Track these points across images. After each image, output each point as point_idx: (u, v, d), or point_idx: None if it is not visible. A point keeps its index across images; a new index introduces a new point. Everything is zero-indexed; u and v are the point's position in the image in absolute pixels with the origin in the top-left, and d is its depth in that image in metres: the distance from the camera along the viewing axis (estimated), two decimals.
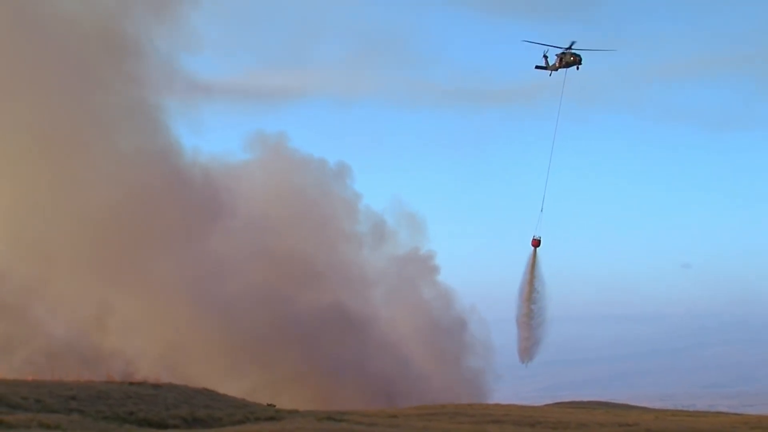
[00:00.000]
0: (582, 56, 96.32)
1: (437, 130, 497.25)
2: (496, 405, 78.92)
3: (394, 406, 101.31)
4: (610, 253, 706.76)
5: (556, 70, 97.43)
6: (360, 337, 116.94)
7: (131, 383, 60.67)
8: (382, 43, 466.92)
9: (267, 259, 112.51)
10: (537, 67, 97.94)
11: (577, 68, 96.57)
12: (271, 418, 49.08)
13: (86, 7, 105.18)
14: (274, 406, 61.66)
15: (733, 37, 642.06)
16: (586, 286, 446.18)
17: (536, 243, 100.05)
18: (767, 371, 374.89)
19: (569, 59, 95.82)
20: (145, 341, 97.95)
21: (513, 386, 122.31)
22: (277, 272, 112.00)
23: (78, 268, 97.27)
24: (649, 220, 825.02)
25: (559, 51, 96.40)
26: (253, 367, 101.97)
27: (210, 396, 58.97)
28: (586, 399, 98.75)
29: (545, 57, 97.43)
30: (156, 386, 60.41)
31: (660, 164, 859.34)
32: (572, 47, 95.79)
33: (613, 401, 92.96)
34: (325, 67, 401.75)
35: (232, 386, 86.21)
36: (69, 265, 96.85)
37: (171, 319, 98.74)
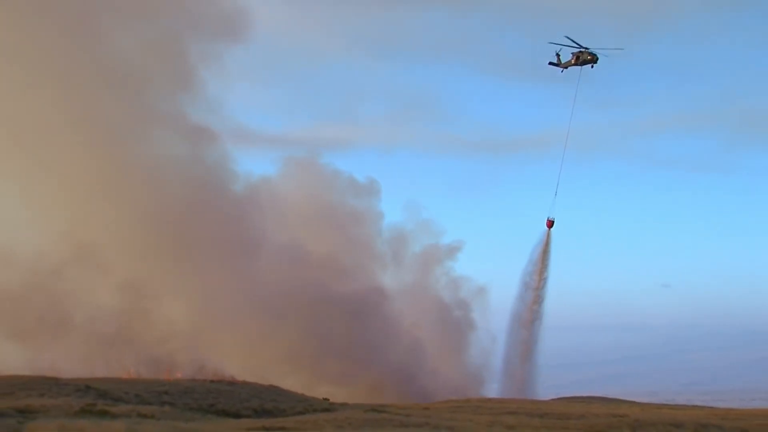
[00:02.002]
0: (598, 56, 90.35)
1: (461, 173, 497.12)
2: (511, 399, 78.49)
3: (427, 401, 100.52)
4: (604, 274, 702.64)
5: (566, 68, 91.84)
6: (390, 339, 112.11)
7: (212, 381, 60.87)
8: (416, 102, 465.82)
9: (302, 264, 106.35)
10: (550, 63, 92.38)
11: (592, 66, 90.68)
12: (326, 410, 49.00)
13: (150, 33, 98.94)
14: (329, 399, 61.58)
15: (710, 96, 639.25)
16: (585, 301, 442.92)
17: (550, 224, 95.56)
18: (734, 372, 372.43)
19: (586, 57, 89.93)
20: (199, 341, 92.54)
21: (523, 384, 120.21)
22: (310, 276, 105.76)
23: (124, 271, 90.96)
24: (636, 247, 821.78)
25: (576, 50, 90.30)
26: (297, 365, 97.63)
27: (276, 391, 58.93)
28: (585, 395, 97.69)
29: (557, 55, 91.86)
30: (231, 383, 60.53)
31: (647, 201, 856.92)
32: (588, 48, 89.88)
33: (607, 396, 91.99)
34: (369, 121, 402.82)
35: (279, 382, 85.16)
36: (118, 268, 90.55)
37: (219, 320, 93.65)
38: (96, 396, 46.50)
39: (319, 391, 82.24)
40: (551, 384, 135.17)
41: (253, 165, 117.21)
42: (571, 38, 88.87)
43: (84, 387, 49.17)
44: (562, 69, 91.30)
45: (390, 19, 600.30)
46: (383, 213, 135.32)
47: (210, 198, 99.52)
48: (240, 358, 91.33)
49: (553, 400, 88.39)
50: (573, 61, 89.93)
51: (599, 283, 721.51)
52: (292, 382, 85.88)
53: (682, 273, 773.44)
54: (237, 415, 45.31)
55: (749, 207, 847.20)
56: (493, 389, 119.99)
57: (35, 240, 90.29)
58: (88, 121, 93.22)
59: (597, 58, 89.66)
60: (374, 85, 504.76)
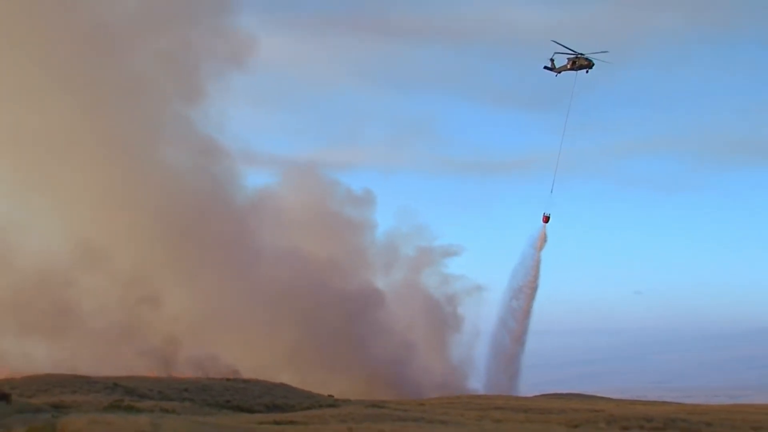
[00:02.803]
0: (594, 62, 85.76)
1: (454, 191, 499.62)
2: (498, 396, 78.30)
3: (418, 394, 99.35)
4: (582, 283, 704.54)
5: (560, 72, 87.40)
6: (383, 335, 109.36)
7: (227, 379, 60.77)
8: (413, 127, 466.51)
9: (302, 271, 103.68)
10: (545, 68, 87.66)
11: (587, 71, 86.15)
12: (331, 405, 48.93)
13: (165, 53, 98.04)
14: (333, 396, 61.52)
15: (676, 122, 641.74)
16: (565, 307, 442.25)
17: (546, 219, 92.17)
18: (699, 372, 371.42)
19: (582, 62, 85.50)
20: (205, 339, 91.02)
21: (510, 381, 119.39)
22: (309, 278, 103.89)
23: (134, 273, 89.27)
24: (611, 258, 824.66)
25: (572, 55, 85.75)
26: (295, 360, 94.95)
27: (285, 389, 58.87)
28: (564, 392, 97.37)
29: (552, 60, 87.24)
30: (245, 381, 60.44)
31: (620, 217, 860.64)
32: (585, 55, 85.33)
33: (585, 393, 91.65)
34: (371, 144, 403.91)
35: (278, 376, 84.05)
36: (129, 270, 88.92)
37: (223, 318, 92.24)
38: (123, 393, 46.60)
39: (315, 384, 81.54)
40: (534, 382, 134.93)
41: (258, 181, 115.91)
42: (559, 43, 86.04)
43: (112, 384, 49.27)
44: (556, 73, 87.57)
45: (391, 52, 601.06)
46: (378, 220, 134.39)
47: (216, 206, 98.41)
48: (243, 354, 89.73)
49: (535, 396, 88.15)
50: (569, 66, 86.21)
51: (577, 290, 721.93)
52: (290, 376, 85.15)
53: (653, 281, 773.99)
54: (250, 410, 45.31)
55: (711, 222, 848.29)
56: (479, 385, 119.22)
57: (51, 242, 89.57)
58: (105, 132, 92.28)
59: (593, 64, 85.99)
60: (375, 111, 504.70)
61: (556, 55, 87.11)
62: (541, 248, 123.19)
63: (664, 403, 74.10)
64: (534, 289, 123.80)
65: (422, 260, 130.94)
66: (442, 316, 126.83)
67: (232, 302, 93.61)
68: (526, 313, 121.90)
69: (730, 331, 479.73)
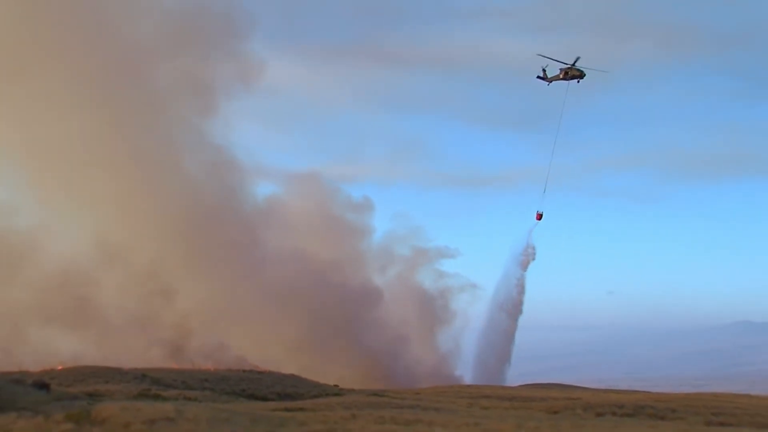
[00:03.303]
0: (585, 72, 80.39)
1: (447, 203, 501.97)
2: (485, 386, 78.09)
3: (411, 381, 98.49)
4: (560, 284, 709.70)
5: (551, 82, 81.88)
6: (381, 331, 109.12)
7: (244, 371, 60.60)
8: (410, 145, 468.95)
9: (307, 274, 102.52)
10: (538, 77, 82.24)
11: (578, 81, 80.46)
12: (336, 394, 48.77)
13: (183, 72, 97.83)
14: (338, 386, 61.31)
15: (645, 140, 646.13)
16: (546, 306, 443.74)
17: (539, 217, 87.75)
18: (666, 363, 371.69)
19: (574, 73, 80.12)
20: (216, 330, 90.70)
21: (498, 373, 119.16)
22: (311, 275, 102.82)
23: (151, 268, 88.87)
24: (586, 261, 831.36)
25: (564, 66, 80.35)
26: (299, 350, 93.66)
27: (295, 379, 58.63)
28: (545, 382, 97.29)
29: (544, 70, 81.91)
30: (259, 372, 60.24)
31: (594, 225, 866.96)
32: (576, 63, 79.99)
33: (563, 383, 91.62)
34: (371, 161, 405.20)
35: (283, 365, 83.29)
36: (146, 265, 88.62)
37: (233, 312, 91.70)
38: (150, 383, 46.53)
39: (317, 373, 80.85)
40: (518, 373, 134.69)
41: (267, 191, 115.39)
42: (545, 56, 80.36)
43: (141, 375, 49.20)
44: (548, 83, 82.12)
45: (388, 77, 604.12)
46: (376, 224, 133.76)
47: (228, 211, 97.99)
48: (251, 345, 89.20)
49: (519, 386, 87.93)
50: (561, 76, 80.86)
51: (557, 290, 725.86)
52: (294, 365, 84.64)
53: (624, 283, 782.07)
54: (264, 399, 45.20)
55: (677, 230, 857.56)
56: (468, 375, 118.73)
57: (76, 243, 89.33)
58: (128, 143, 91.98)
59: (584, 74, 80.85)
60: (375, 130, 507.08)
61: (548, 66, 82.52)
62: (526, 268, 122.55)
63: (634, 391, 73.90)
64: (520, 304, 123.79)
65: (417, 259, 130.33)
66: (434, 310, 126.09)
67: (241, 298, 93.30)
68: (512, 333, 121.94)
69: (692, 327, 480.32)
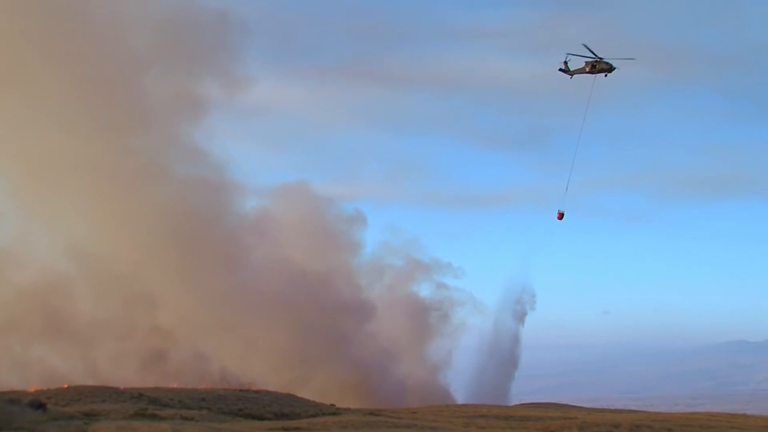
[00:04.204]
0: (615, 66, 73.52)
1: (442, 221, 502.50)
2: (482, 405, 77.76)
3: (402, 393, 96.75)
4: (557, 304, 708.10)
5: (573, 75, 75.53)
6: (371, 342, 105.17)
7: (240, 390, 60.34)
8: (407, 164, 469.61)
9: (296, 282, 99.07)
10: (560, 70, 76.32)
11: (606, 75, 74.14)
12: (333, 414, 48.56)
13: (182, 90, 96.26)
14: (335, 405, 60.98)
15: (639, 161, 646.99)
16: (541, 325, 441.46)
17: (560, 216, 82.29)
18: (661, 382, 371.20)
19: (603, 66, 73.58)
20: (200, 343, 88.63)
21: (497, 391, 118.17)
22: (300, 286, 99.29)
23: (138, 280, 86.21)
24: (582, 281, 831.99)
25: (591, 59, 73.28)
26: (285, 363, 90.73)
27: (292, 398, 58.44)
28: (541, 401, 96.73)
29: (566, 63, 75.88)
30: (256, 392, 60.01)
31: (590, 245, 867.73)
32: (603, 58, 73.11)
33: (560, 402, 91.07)
34: (369, 180, 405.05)
35: (271, 378, 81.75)
36: (134, 277, 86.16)
37: (218, 325, 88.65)
38: (147, 402, 46.23)
39: (304, 386, 79.27)
40: (514, 392, 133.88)
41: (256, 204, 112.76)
42: (588, 47, 73.19)
43: (137, 394, 48.89)
44: (570, 76, 76.26)
45: (386, 98, 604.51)
46: (369, 235, 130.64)
47: (213, 221, 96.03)
48: (235, 357, 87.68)
49: (515, 405, 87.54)
50: (587, 69, 74.52)
51: (553, 310, 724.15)
52: (280, 378, 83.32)
53: (619, 302, 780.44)
54: (261, 418, 44.93)
55: (671, 249, 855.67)
56: (464, 391, 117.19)
57: (58, 252, 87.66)
58: (119, 154, 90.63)
59: (613, 68, 74.46)
60: (373, 150, 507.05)
61: (570, 59, 76.59)
62: (523, 321, 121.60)
63: (630, 411, 73.71)
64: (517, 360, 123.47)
65: (411, 270, 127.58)
66: (427, 322, 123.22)
67: (226, 310, 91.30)
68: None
69: (687, 346, 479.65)
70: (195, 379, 79.58)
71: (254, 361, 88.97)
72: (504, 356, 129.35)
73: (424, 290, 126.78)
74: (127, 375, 75.58)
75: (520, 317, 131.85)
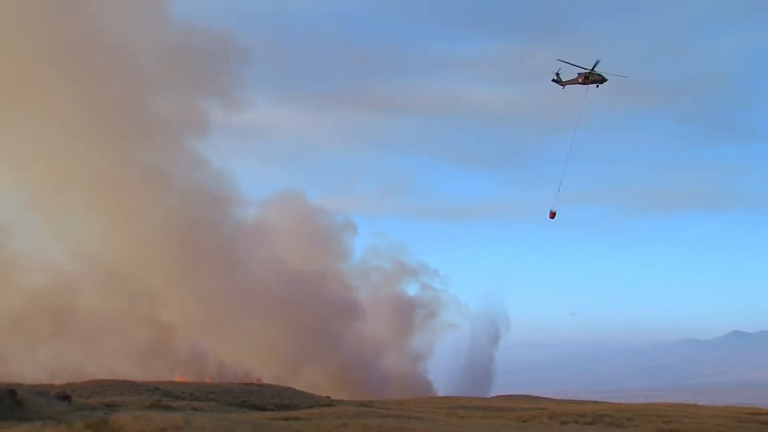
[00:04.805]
0: (607, 78, 69.78)
1: (427, 232, 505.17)
2: (462, 397, 77.72)
3: (386, 383, 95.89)
4: (529, 306, 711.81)
5: (564, 86, 71.22)
6: (358, 337, 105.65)
7: (246, 384, 60.18)
8: (395, 181, 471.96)
9: (291, 285, 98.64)
10: (552, 80, 72.00)
11: (597, 86, 69.98)
12: (328, 405, 48.42)
13: (185, 107, 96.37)
14: (330, 397, 60.86)
15: (605, 176, 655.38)
16: (515, 326, 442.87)
17: (552, 215, 78.43)
18: (623, 377, 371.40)
19: (595, 77, 69.77)
20: (200, 337, 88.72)
21: (475, 385, 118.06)
22: (294, 285, 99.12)
23: (139, 282, 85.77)
24: (552, 286, 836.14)
25: (583, 71, 69.69)
26: (278, 355, 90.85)
27: (291, 391, 58.26)
28: (515, 393, 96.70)
29: (557, 74, 71.74)
30: (260, 386, 59.89)
31: (559, 254, 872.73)
32: (595, 68, 69.49)
33: (531, 395, 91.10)
34: (361, 195, 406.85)
35: (265, 369, 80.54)
36: (141, 279, 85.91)
37: (216, 321, 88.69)
38: (161, 394, 46.11)
39: (298, 378, 78.57)
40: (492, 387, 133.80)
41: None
42: (564, 60, 70.74)
43: (153, 388, 48.79)
44: (562, 86, 72.10)
45: (377, 121, 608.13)
46: (360, 243, 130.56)
47: (213, 226, 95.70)
48: (235, 352, 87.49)
49: (492, 397, 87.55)
50: (580, 81, 70.44)
51: (526, 311, 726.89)
52: (273, 371, 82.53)
53: (585, 305, 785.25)
54: (264, 409, 44.78)
55: (632, 257, 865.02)
56: (447, 385, 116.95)
57: (69, 255, 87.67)
58: (128, 165, 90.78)
59: (605, 79, 70.45)
60: (365, 168, 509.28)
61: (562, 69, 72.79)
62: (497, 344, 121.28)
63: (594, 402, 73.68)
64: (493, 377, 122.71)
65: (397, 272, 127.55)
66: (411, 320, 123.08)
67: (224, 308, 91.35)
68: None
69: (646, 345, 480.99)
70: (194, 371, 79.01)
71: (250, 356, 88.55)
72: (482, 362, 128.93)
73: (411, 290, 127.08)
74: (134, 368, 74.97)
75: (494, 340, 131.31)
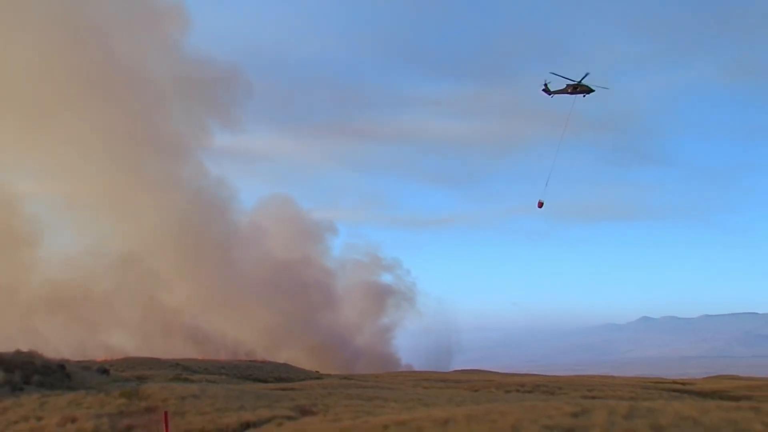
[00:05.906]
0: (594, 89, 60.45)
1: (399, 240, 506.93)
2: (426, 371, 77.54)
3: (359, 358, 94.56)
4: (477, 298, 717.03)
5: (553, 95, 61.53)
6: (337, 320, 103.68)
7: (251, 360, 59.62)
8: (374, 196, 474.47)
9: (278, 281, 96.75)
10: (542, 90, 62.42)
11: (584, 96, 60.57)
12: (317, 378, 48.32)
13: (185, 121, 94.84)
14: (318, 371, 60.49)
15: (546, 192, 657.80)
16: (468, 314, 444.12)
17: (540, 205, 69.94)
18: (554, 354, 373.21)
19: (583, 88, 60.47)
20: (201, 320, 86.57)
21: (437, 361, 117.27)
22: (281, 274, 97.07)
23: (157, 271, 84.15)
24: (497, 281, 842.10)
25: (571, 82, 60.20)
26: (269, 334, 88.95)
27: (287, 367, 57.87)
28: (469, 368, 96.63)
29: (546, 84, 61.94)
30: (262, 362, 59.38)
31: (505, 255, 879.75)
32: (583, 80, 60.34)
33: (482, 369, 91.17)
34: (344, 209, 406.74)
35: (257, 346, 79.05)
36: (154, 268, 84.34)
37: (215, 305, 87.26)
38: (182, 369, 45.72)
39: (288, 354, 77.09)
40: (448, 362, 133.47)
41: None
42: (557, 74, 62.02)
43: (175, 363, 48.35)
44: (551, 96, 62.86)
45: (357, 148, 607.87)
46: (342, 244, 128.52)
47: (214, 224, 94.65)
48: (231, 331, 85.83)
49: (451, 371, 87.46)
50: (569, 90, 61.33)
51: (477, 302, 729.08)
52: (265, 345, 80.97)
53: (525, 296, 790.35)
54: (265, 381, 44.59)
55: (563, 258, 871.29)
56: (414, 361, 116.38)
57: (99, 250, 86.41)
58: (138, 173, 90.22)
59: (592, 90, 61.42)
60: (348, 186, 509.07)
61: (550, 81, 63.83)
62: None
63: (532, 375, 73.97)
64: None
65: (371, 265, 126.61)
66: (382, 304, 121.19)
67: (223, 293, 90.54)
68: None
69: (573, 328, 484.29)
70: (197, 345, 77.56)
71: (244, 334, 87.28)
72: (443, 342, 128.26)
73: (385, 280, 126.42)
74: (154, 344, 73.45)
75: (453, 325, 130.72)
